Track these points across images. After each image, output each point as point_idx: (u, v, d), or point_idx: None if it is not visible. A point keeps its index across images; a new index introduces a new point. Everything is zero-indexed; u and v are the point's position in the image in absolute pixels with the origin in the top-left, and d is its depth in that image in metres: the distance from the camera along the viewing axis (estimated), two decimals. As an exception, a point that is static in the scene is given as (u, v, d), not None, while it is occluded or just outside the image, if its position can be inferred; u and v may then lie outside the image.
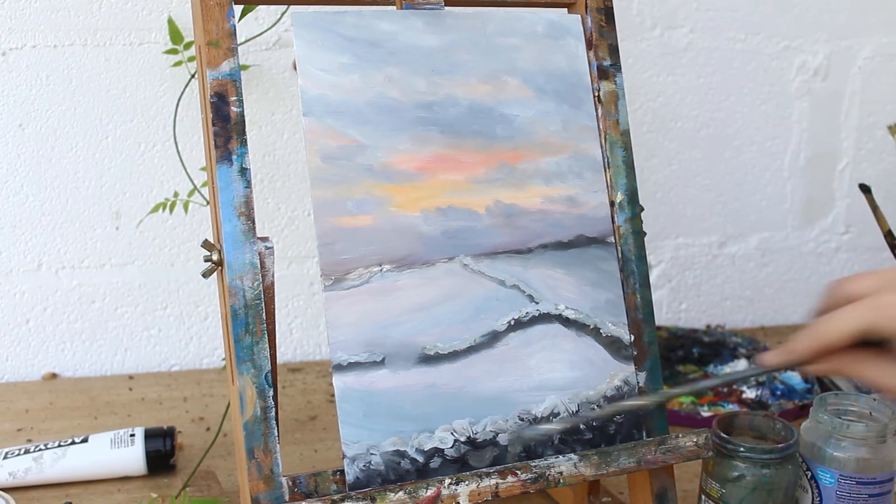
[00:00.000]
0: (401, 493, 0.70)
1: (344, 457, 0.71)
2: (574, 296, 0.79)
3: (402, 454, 0.72)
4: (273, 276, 0.71)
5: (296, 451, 1.00)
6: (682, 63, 1.34)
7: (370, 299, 0.73)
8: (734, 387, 1.15)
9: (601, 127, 0.83)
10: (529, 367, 0.77)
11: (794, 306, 1.48)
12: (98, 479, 0.93)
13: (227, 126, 0.71)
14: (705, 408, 1.10)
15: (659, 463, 0.77)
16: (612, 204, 0.82)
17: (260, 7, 1.13)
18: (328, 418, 1.08)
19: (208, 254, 0.71)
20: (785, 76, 1.38)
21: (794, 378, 1.17)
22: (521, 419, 0.76)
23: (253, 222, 0.71)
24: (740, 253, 1.44)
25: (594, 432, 0.78)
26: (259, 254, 0.71)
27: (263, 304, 0.70)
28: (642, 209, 0.83)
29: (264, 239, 0.71)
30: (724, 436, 0.81)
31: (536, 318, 0.78)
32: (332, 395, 0.72)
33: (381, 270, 0.74)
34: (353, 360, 0.72)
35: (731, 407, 1.11)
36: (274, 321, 0.71)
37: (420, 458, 0.73)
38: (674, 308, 1.43)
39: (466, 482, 0.72)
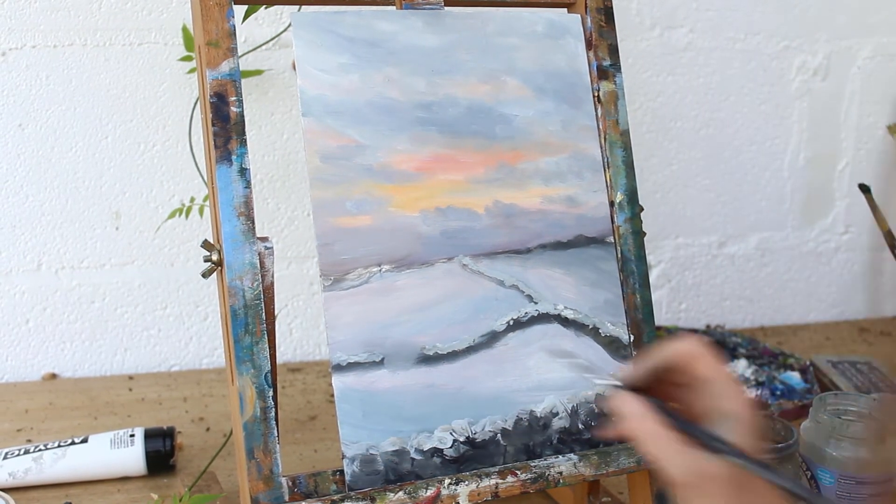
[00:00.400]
0: (400, 493, 0.70)
1: (343, 457, 0.71)
2: (573, 296, 0.79)
3: (401, 454, 0.72)
4: (273, 276, 0.71)
5: (295, 451, 1.00)
6: (681, 63, 1.34)
7: (369, 299, 0.73)
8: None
9: (601, 127, 0.83)
10: (528, 367, 0.77)
11: (794, 306, 1.49)
12: (98, 479, 0.93)
13: (226, 126, 0.71)
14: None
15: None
16: (611, 204, 0.82)
17: (261, 9, 1.13)
18: (328, 418, 1.08)
19: (208, 254, 0.71)
20: (785, 76, 1.38)
21: (794, 378, 1.17)
22: (521, 419, 0.76)
23: (253, 222, 0.71)
24: (740, 253, 1.44)
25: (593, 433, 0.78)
26: (259, 254, 0.71)
27: (263, 305, 0.70)
28: (642, 209, 0.83)
29: (264, 239, 0.71)
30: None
31: (535, 318, 0.78)
32: (332, 395, 0.72)
33: (380, 270, 0.74)
34: (352, 361, 0.72)
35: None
36: (273, 321, 0.71)
37: (419, 458, 0.73)
38: (673, 308, 1.43)
39: (466, 482, 0.72)
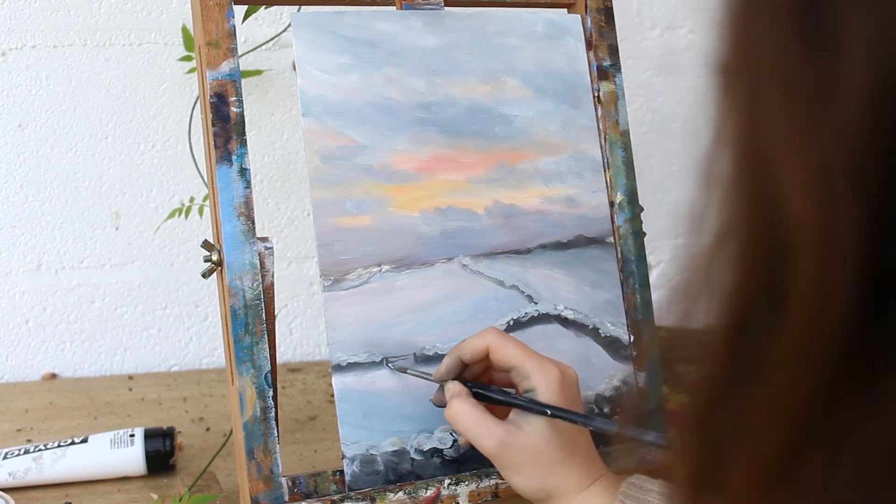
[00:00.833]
0: (400, 494, 0.70)
1: (343, 457, 0.71)
2: (573, 296, 0.79)
3: (401, 454, 0.72)
4: (273, 277, 0.71)
5: (295, 451, 1.00)
6: (682, 63, 1.34)
7: (369, 300, 0.73)
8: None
9: (601, 127, 0.83)
10: (529, 368, 0.77)
11: (794, 306, 1.48)
12: (98, 479, 0.93)
13: (226, 126, 0.71)
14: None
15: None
16: (611, 204, 0.82)
17: (260, 9, 1.13)
18: (328, 418, 1.08)
19: (208, 254, 0.71)
20: (785, 76, 1.38)
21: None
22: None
23: (253, 222, 0.71)
24: (740, 253, 1.44)
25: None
26: (259, 254, 0.71)
27: (263, 305, 0.70)
28: (642, 209, 0.83)
29: (264, 239, 0.71)
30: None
31: (535, 318, 0.78)
32: (332, 396, 0.72)
33: (380, 271, 0.74)
34: (352, 361, 0.72)
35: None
36: (274, 321, 0.71)
37: (420, 459, 0.73)
38: (673, 308, 1.43)
39: (466, 482, 0.72)
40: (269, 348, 0.70)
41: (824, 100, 0.30)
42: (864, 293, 0.30)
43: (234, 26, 0.72)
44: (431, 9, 0.79)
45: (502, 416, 0.68)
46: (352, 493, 0.70)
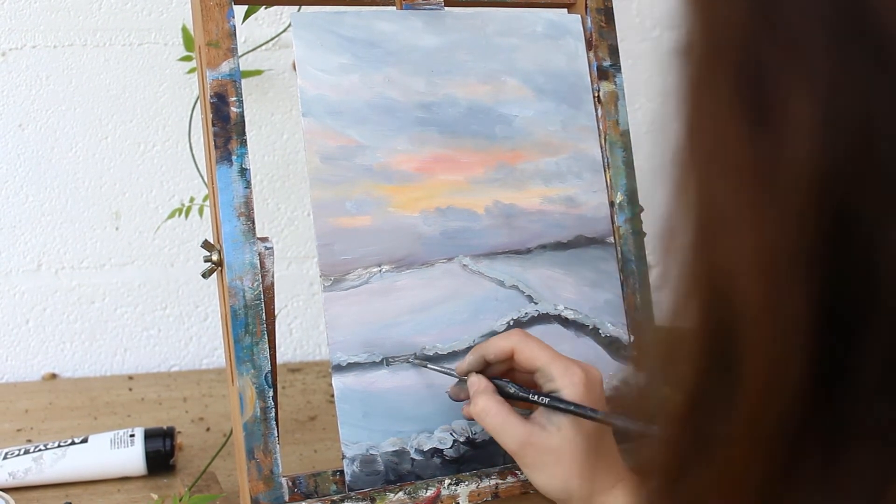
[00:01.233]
0: (400, 494, 0.70)
1: (343, 457, 0.71)
2: (573, 296, 0.79)
3: (401, 454, 0.72)
4: (273, 277, 0.71)
5: (295, 451, 1.00)
6: (681, 63, 1.34)
7: (369, 300, 0.73)
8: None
9: (601, 127, 0.83)
10: (529, 368, 0.77)
11: (794, 306, 1.48)
12: (98, 479, 0.93)
13: (226, 126, 0.71)
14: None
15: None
16: (611, 204, 0.82)
17: (261, 9, 1.13)
18: (328, 418, 1.08)
19: (208, 254, 0.71)
20: (785, 76, 1.38)
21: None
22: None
23: (253, 222, 0.71)
24: (740, 253, 1.44)
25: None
26: (259, 254, 0.71)
27: (263, 305, 0.70)
28: (642, 209, 0.83)
29: (264, 239, 0.71)
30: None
31: (535, 318, 0.78)
32: (332, 396, 0.72)
33: (380, 271, 0.74)
34: (352, 361, 0.72)
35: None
36: (274, 321, 0.71)
37: (420, 459, 0.73)
38: (673, 308, 1.43)
39: (466, 482, 0.72)
40: (269, 348, 0.70)
41: (768, 180, 0.30)
42: (814, 371, 0.30)
43: (235, 26, 0.72)
44: (431, 9, 0.79)
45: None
46: (352, 494, 0.70)
